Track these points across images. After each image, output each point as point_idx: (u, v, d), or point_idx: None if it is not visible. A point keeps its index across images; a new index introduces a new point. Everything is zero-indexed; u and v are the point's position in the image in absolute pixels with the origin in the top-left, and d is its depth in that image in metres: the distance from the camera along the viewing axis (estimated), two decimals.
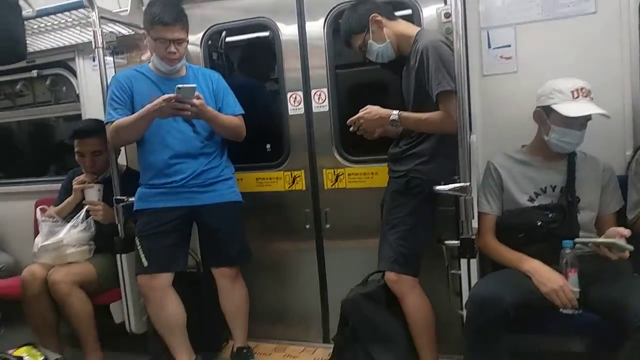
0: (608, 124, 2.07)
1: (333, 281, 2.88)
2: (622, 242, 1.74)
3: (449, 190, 1.97)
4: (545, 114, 2.00)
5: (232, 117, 2.56)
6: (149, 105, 2.28)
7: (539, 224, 1.95)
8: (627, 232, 1.77)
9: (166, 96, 2.22)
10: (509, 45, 2.35)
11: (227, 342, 2.91)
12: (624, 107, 2.22)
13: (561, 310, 1.78)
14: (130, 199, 2.59)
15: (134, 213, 2.57)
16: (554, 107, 1.93)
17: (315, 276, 2.91)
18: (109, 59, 2.82)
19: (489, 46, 2.38)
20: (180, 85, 2.19)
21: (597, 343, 1.93)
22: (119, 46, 2.89)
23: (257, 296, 2.84)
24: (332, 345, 2.38)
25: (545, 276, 1.83)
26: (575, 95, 1.92)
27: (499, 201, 2.13)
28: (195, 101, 2.26)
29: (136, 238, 2.51)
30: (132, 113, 2.40)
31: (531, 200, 2.06)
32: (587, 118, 1.95)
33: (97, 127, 2.71)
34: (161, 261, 2.49)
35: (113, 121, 2.41)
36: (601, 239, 1.80)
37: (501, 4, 2.36)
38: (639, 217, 1.98)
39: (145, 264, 2.48)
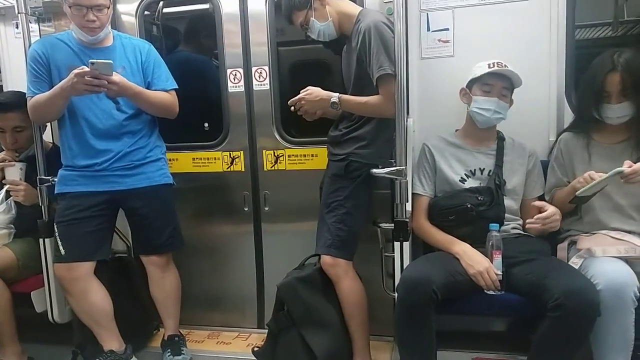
0: (534, 111, 2.38)
1: (270, 265, 3.02)
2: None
3: (385, 173, 2.14)
4: (468, 91, 2.27)
5: (162, 93, 2.53)
6: (63, 82, 2.25)
7: (469, 206, 2.16)
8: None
9: (77, 71, 2.18)
10: (447, 29, 2.54)
11: (158, 330, 2.98)
12: (549, 95, 2.45)
13: (485, 291, 2.00)
14: (55, 179, 2.57)
15: (55, 196, 2.56)
16: (473, 77, 2.21)
17: (252, 260, 3.04)
18: (34, 26, 2.80)
19: (428, 29, 2.57)
20: (93, 60, 2.16)
21: (518, 323, 2.18)
22: (45, 12, 2.87)
23: (191, 281, 2.95)
24: (266, 331, 2.50)
25: (472, 259, 2.04)
26: (492, 66, 2.20)
27: (432, 183, 2.34)
28: (113, 78, 2.23)
29: (54, 224, 2.51)
30: (52, 87, 2.35)
31: (462, 181, 2.28)
32: (505, 87, 2.22)
33: (18, 101, 2.63)
34: (80, 250, 2.47)
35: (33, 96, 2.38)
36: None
37: None
38: (553, 197, 2.27)
39: (63, 252, 2.47)
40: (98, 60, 2.17)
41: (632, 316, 1.82)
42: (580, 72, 2.24)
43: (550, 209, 2.04)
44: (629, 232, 2.09)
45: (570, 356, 1.87)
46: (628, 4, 2.67)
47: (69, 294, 2.54)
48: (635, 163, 1.96)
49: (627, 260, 1.94)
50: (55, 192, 2.54)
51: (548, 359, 1.90)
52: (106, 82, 2.21)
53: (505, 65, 2.19)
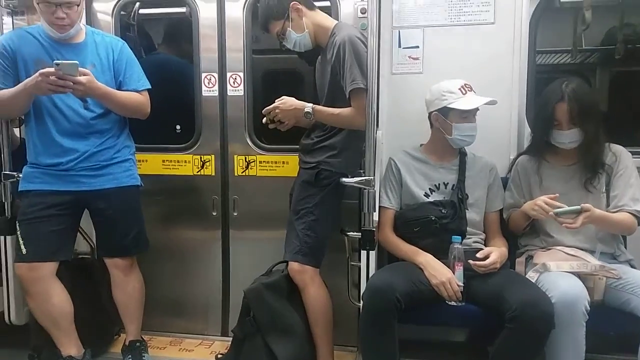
0: (496, 129, 2.54)
1: (237, 272, 3.07)
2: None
3: (355, 182, 2.24)
4: (442, 116, 2.35)
5: (132, 94, 2.55)
6: (27, 80, 2.26)
7: (433, 218, 2.29)
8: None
9: (43, 71, 2.19)
10: (417, 47, 2.70)
11: (119, 336, 3.00)
12: (510, 115, 2.63)
13: (447, 301, 2.11)
14: (21, 175, 2.56)
15: (19, 193, 2.55)
16: (451, 105, 2.30)
17: (218, 266, 3.09)
18: (8, 19, 2.82)
19: (399, 45, 2.71)
20: (58, 62, 2.18)
21: (477, 334, 2.30)
22: (19, 5, 2.88)
23: (155, 285, 2.97)
24: (230, 339, 2.56)
25: (435, 269, 2.16)
26: (464, 92, 2.32)
27: (397, 196, 2.46)
28: (80, 78, 2.24)
29: (16, 222, 2.50)
30: (18, 81, 2.35)
31: (427, 195, 2.41)
32: (477, 110, 2.34)
33: None
34: (42, 249, 2.47)
35: None
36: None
37: (413, 5, 2.71)
38: (510, 217, 2.44)
39: (24, 251, 2.46)
40: (63, 62, 2.19)
41: (583, 329, 1.95)
42: (540, 95, 2.40)
43: (491, 258, 2.18)
44: (582, 249, 2.24)
45: None
46: (586, 34, 2.88)
47: (29, 294, 2.53)
48: (584, 185, 2.25)
49: (579, 275, 2.09)
50: (19, 189, 2.53)
51: None
52: (71, 83, 2.23)
53: (471, 87, 2.33)
